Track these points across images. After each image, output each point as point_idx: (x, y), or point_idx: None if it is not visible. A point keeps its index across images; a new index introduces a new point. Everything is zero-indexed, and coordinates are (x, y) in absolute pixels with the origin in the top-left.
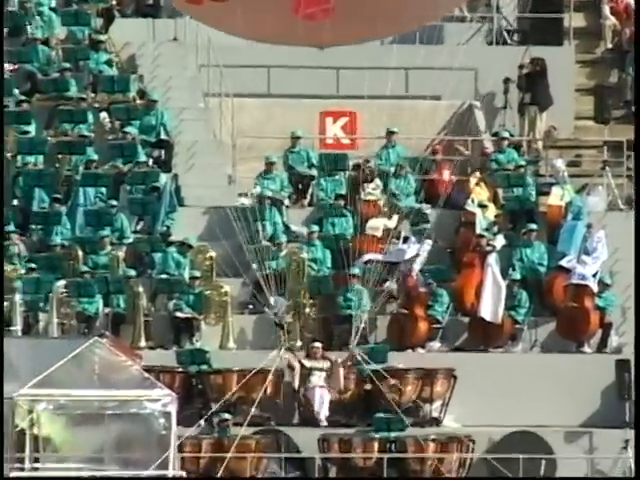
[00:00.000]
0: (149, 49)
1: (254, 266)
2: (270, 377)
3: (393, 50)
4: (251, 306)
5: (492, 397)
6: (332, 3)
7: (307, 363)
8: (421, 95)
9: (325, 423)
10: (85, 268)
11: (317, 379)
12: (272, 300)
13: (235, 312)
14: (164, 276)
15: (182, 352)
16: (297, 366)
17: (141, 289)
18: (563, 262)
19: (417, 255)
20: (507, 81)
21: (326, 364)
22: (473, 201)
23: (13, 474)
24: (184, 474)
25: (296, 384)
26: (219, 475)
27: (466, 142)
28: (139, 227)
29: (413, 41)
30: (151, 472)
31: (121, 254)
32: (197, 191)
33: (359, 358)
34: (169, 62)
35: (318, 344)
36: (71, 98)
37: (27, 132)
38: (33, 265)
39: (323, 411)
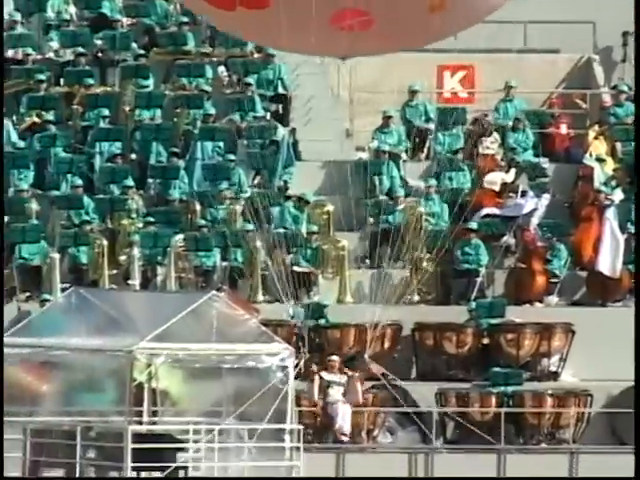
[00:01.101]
0: None
1: (371, 220)
2: (388, 331)
3: (512, 3)
4: (368, 260)
5: (610, 351)
6: (372, 15)
7: (326, 376)
8: (539, 49)
9: (347, 439)
10: (203, 222)
11: (336, 393)
12: (291, 310)
13: (352, 266)
14: (281, 230)
15: (300, 306)
16: (316, 379)
17: (258, 243)
18: None
19: (535, 209)
20: (626, 34)
21: (344, 378)
22: (591, 155)
23: (132, 427)
24: (301, 428)
25: (315, 397)
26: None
27: (584, 96)
28: (257, 181)
29: None
30: (268, 426)
31: (239, 208)
32: (314, 145)
33: (376, 371)
34: None
35: (335, 357)
36: (189, 52)
37: (145, 86)
38: (151, 219)
39: (346, 426)
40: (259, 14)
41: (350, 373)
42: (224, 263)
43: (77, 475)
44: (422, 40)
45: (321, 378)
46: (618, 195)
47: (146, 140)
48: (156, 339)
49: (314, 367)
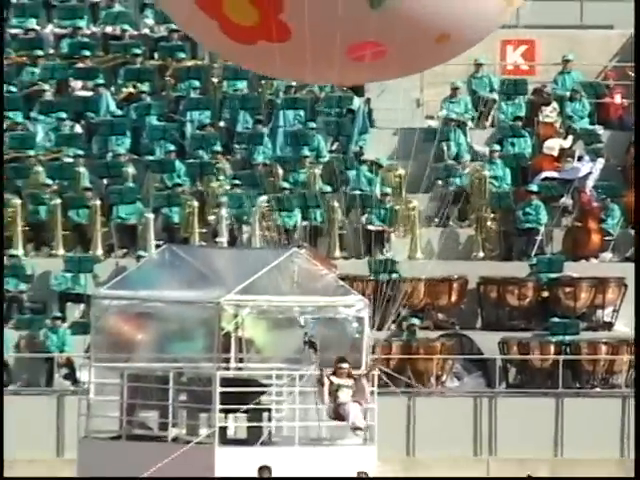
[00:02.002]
0: None
1: (440, 183)
2: (455, 285)
3: None
4: (437, 220)
5: None
6: (385, 46)
7: (335, 380)
8: (595, 25)
9: (360, 433)
10: (285, 184)
11: (345, 395)
12: (302, 320)
13: (422, 225)
14: (357, 192)
15: (374, 262)
16: (327, 382)
17: (336, 204)
18: None
19: (590, 172)
20: None
21: (351, 381)
22: None
23: (220, 373)
24: (376, 373)
25: (326, 399)
26: (408, 374)
27: (637, 68)
28: (334, 147)
29: None
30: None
31: (318, 172)
32: (387, 114)
33: (379, 375)
34: None
35: (345, 364)
36: None
37: None
38: (237, 182)
39: (359, 421)
40: (280, 47)
41: (356, 376)
42: (304, 222)
43: (170, 416)
44: (428, 66)
45: (331, 383)
46: None
47: (233, 109)
48: (242, 292)
49: (326, 372)
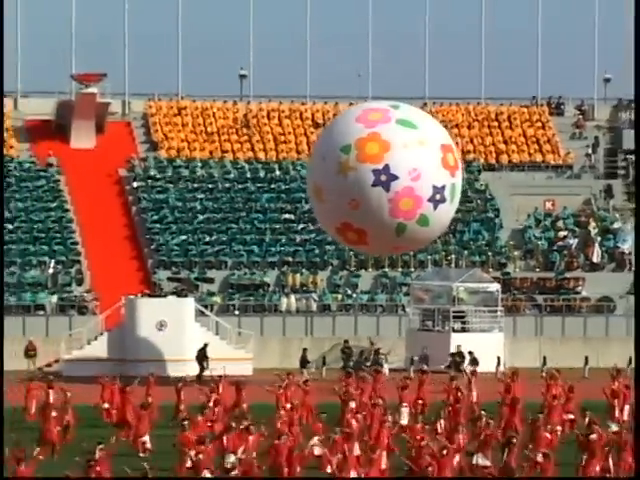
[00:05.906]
0: None
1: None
2: (535, 278)
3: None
4: (530, 262)
5: None
6: (404, 247)
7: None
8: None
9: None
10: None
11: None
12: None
13: (519, 265)
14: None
15: (501, 274)
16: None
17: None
18: None
19: (572, 243)
20: None
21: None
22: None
23: (451, 309)
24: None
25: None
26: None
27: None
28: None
29: None
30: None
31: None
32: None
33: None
34: None
35: (383, 351)
36: None
37: None
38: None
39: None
40: (367, 247)
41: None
42: (481, 259)
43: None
44: (416, 249)
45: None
46: None
47: None
48: (459, 282)
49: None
